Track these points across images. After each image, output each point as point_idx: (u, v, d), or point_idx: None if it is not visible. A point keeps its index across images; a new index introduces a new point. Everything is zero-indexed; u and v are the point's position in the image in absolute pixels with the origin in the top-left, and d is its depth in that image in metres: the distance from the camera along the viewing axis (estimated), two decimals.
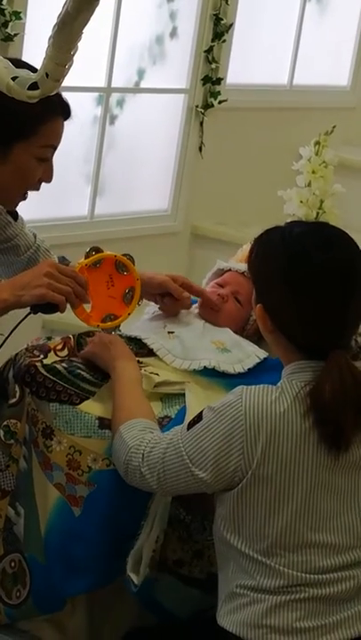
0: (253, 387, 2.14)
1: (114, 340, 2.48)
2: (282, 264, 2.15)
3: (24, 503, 2.43)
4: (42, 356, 2.47)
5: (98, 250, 2.44)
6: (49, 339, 2.59)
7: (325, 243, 2.17)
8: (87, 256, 2.43)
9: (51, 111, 2.47)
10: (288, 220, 3.02)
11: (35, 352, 2.47)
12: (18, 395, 2.42)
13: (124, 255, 2.47)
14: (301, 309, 2.13)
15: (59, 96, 2.50)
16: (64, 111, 2.51)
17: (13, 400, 2.42)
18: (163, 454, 2.18)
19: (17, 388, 2.42)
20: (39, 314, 2.41)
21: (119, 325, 2.48)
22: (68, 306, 2.39)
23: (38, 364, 2.43)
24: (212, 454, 2.12)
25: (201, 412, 2.18)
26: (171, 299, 2.72)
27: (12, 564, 2.43)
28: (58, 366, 2.44)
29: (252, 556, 2.13)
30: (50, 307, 2.36)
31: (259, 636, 2.11)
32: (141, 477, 2.21)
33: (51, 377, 2.41)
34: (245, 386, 2.15)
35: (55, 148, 2.52)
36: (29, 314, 2.40)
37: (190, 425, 2.18)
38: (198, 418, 2.17)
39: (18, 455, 2.42)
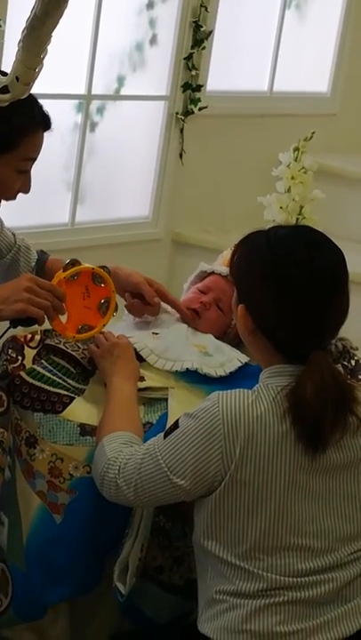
0: (229, 391, 2.15)
1: (122, 354, 2.48)
2: (266, 263, 2.16)
3: (8, 512, 2.42)
4: (20, 358, 2.47)
5: (75, 263, 2.46)
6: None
7: (310, 244, 2.19)
8: (65, 269, 2.45)
9: (32, 125, 2.48)
10: (269, 226, 3.04)
11: (10, 353, 2.47)
12: (5, 404, 2.42)
13: (101, 267, 2.49)
14: (283, 309, 2.14)
15: (40, 108, 2.51)
16: (45, 123, 2.52)
17: (1, 409, 2.42)
18: (139, 465, 2.18)
19: (5, 397, 2.42)
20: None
21: (94, 336, 2.50)
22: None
23: (22, 373, 2.43)
24: (190, 461, 2.12)
25: (177, 420, 2.19)
26: (140, 301, 2.73)
27: None
28: (40, 370, 2.45)
29: (230, 561, 2.13)
30: (29, 320, 2.38)
31: None
32: (117, 489, 2.21)
33: (36, 383, 2.41)
34: (221, 391, 2.16)
35: (34, 160, 2.53)
36: (9, 328, 2.41)
37: (167, 433, 2.18)
38: (175, 426, 2.17)
39: (3, 464, 2.42)
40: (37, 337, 2.54)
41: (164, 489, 2.16)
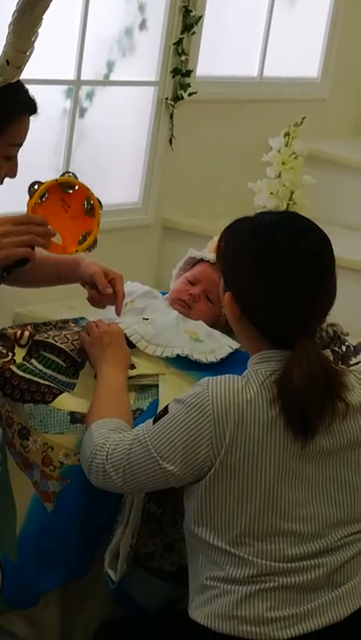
0: (219, 377, 2.15)
1: (112, 342, 2.48)
2: (252, 251, 2.16)
3: None
4: (10, 354, 2.47)
5: (37, 183, 2.43)
6: (3, 329, 2.59)
7: (295, 231, 2.19)
8: (31, 193, 2.41)
9: (18, 111, 2.47)
10: (257, 212, 3.03)
11: (0, 349, 2.47)
12: None
13: (63, 174, 2.46)
14: (270, 296, 2.14)
15: (25, 93, 2.50)
16: (30, 108, 2.51)
17: None
18: (128, 450, 2.18)
19: None
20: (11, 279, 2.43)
21: (96, 241, 2.46)
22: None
23: (12, 367, 2.43)
24: (180, 446, 2.12)
25: (166, 405, 2.18)
26: (97, 291, 2.71)
27: None
28: (30, 366, 2.45)
29: (221, 547, 2.14)
30: (20, 261, 2.34)
31: (230, 627, 2.11)
32: (104, 475, 2.21)
33: (27, 376, 2.41)
34: (211, 377, 2.15)
35: (21, 145, 2.53)
36: (3, 277, 2.38)
37: (156, 419, 2.18)
38: (164, 411, 2.17)
39: None
40: (27, 333, 2.54)
41: (154, 474, 2.16)
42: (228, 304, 2.20)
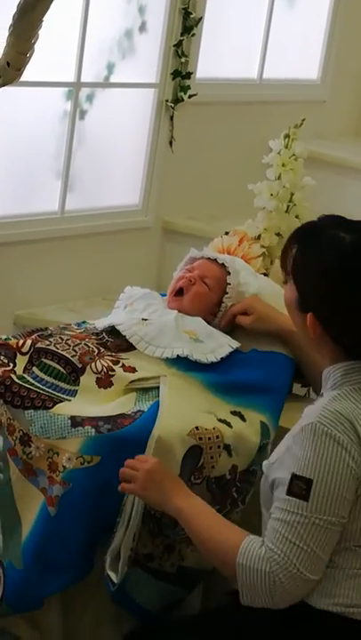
0: (323, 419, 2.10)
1: (163, 476, 2.28)
2: (342, 276, 2.15)
3: (2, 514, 2.42)
4: (11, 365, 2.47)
5: None
6: (7, 339, 2.59)
7: None
8: None
9: None
10: (260, 211, 3.03)
11: (2, 358, 2.48)
12: None
13: None
14: (358, 318, 2.14)
15: None
16: None
17: None
18: (301, 545, 2.08)
19: None
20: None
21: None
22: None
23: (13, 376, 2.43)
24: (341, 500, 2.08)
25: (299, 478, 2.09)
26: None
27: None
28: (30, 379, 2.45)
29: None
30: None
31: None
32: (301, 577, 2.09)
33: (26, 385, 2.42)
34: (314, 422, 2.10)
35: None
36: None
37: (300, 495, 2.09)
38: (305, 484, 2.08)
39: None
40: (29, 341, 2.54)
41: (332, 535, 2.11)
42: (310, 324, 2.18)
